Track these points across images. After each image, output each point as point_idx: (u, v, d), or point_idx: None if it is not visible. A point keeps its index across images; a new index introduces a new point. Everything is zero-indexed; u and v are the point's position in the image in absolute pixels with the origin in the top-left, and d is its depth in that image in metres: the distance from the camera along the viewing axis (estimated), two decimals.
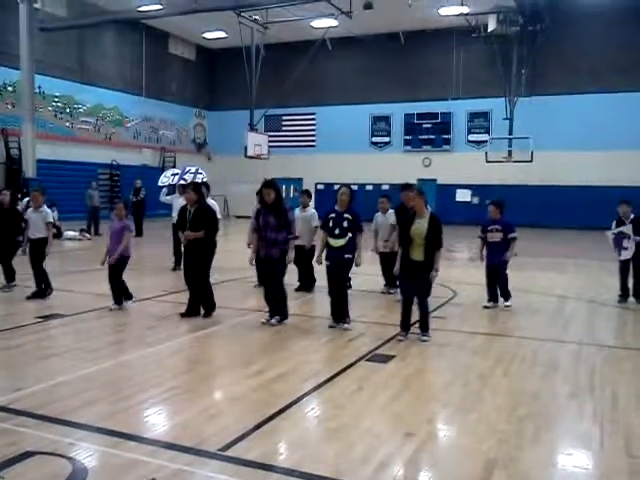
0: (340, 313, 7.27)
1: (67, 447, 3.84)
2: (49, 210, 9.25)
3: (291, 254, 7.39)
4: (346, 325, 7.21)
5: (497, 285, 8.65)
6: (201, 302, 7.84)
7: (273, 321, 7.35)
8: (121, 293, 8.17)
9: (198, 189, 7.95)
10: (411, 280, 6.75)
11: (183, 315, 7.71)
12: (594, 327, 7.77)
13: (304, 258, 9.30)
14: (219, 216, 10.09)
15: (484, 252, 8.81)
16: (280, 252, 7.26)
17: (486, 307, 8.58)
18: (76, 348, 6.29)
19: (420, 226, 6.67)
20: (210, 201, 10.14)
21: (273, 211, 7.25)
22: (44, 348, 6.30)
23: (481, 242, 8.84)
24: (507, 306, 8.58)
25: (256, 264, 7.89)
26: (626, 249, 9.01)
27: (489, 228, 8.67)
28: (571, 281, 11.67)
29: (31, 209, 9.10)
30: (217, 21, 25.88)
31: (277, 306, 7.41)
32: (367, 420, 4.43)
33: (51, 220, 9.09)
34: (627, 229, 8.94)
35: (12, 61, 20.92)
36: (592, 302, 9.31)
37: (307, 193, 10.03)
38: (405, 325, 6.80)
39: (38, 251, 8.85)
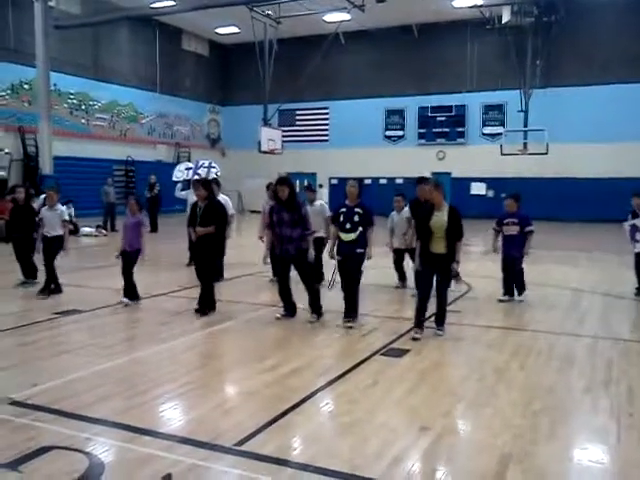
0: (349, 309, 7.22)
1: (84, 442, 3.88)
2: (64, 208, 9.33)
3: (311, 251, 7.36)
4: (349, 324, 7.08)
5: (513, 278, 8.60)
6: (205, 298, 7.81)
7: (311, 319, 7.32)
8: (128, 287, 8.24)
9: (208, 185, 7.97)
10: (430, 274, 6.71)
11: (197, 311, 7.73)
12: (610, 321, 7.70)
13: (317, 251, 9.32)
14: (232, 211, 10.13)
15: (499, 244, 8.75)
16: (295, 249, 7.24)
17: (501, 301, 8.53)
18: (91, 344, 6.35)
19: (439, 219, 6.62)
20: (222, 197, 10.17)
21: (287, 207, 7.23)
22: (60, 344, 6.37)
23: (494, 234, 8.78)
24: (520, 300, 8.53)
25: (272, 260, 7.88)
26: (639, 242, 8.90)
27: (505, 221, 8.60)
28: (586, 274, 11.57)
29: (46, 207, 9.19)
30: (230, 16, 25.88)
31: (312, 304, 7.37)
32: (382, 414, 4.43)
33: (67, 218, 9.19)
34: None
35: (28, 59, 21.07)
36: (607, 295, 9.23)
37: (309, 188, 9.95)
38: (420, 322, 6.73)
39: (53, 249, 8.94)
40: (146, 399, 4.71)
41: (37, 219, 9.27)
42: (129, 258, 8.17)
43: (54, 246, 8.94)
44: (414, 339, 6.53)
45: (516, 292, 8.63)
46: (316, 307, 7.39)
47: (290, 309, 7.49)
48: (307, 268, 7.37)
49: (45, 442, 3.85)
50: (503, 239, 8.66)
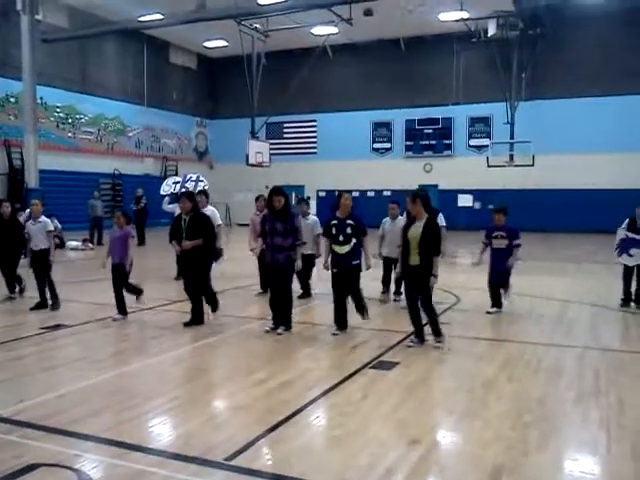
0: (359, 310, 7.44)
1: (72, 458, 3.83)
2: (48, 220, 9.27)
3: (299, 262, 7.38)
4: (365, 318, 7.44)
5: (500, 290, 8.63)
6: (207, 302, 7.93)
7: (279, 330, 7.33)
8: (118, 302, 8.16)
9: (192, 198, 7.96)
10: (410, 285, 6.76)
11: (187, 324, 7.70)
12: (598, 331, 7.75)
13: (306, 266, 9.34)
14: (219, 222, 10.12)
15: (485, 256, 8.78)
16: (286, 258, 7.27)
17: (489, 313, 8.56)
18: (80, 359, 6.29)
19: (415, 230, 6.65)
20: (210, 208, 10.17)
21: (280, 217, 7.26)
22: (48, 359, 6.31)
23: (483, 247, 8.81)
24: (490, 313, 8.55)
25: (261, 270, 7.90)
26: (631, 256, 8.95)
27: (494, 234, 8.62)
28: (574, 285, 11.65)
29: (31, 221, 9.13)
30: (218, 30, 25.99)
31: (282, 314, 7.39)
32: (372, 428, 4.42)
33: (51, 229, 9.13)
34: None
35: (14, 72, 21.03)
36: (595, 306, 9.29)
37: (304, 201, 10.05)
38: (416, 332, 6.77)
39: (41, 262, 8.88)
40: (136, 414, 4.67)
41: (24, 233, 9.20)
42: (120, 272, 8.10)
43: (42, 259, 8.88)
44: (408, 346, 6.64)
45: (502, 293, 8.63)
46: (287, 319, 7.41)
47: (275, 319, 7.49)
48: (287, 277, 7.40)
49: (33, 459, 3.79)
50: (491, 252, 8.68)
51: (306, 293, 9.76)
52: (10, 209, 9.66)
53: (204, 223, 7.82)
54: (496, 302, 8.63)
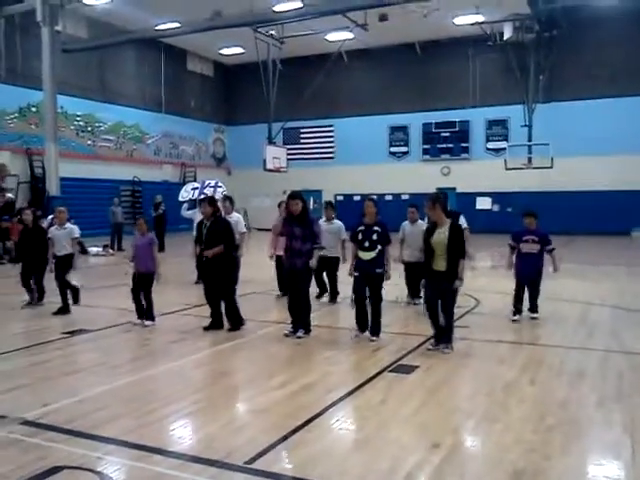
0: (374, 326, 7.25)
1: (95, 461, 3.87)
2: (74, 226, 9.37)
3: (314, 261, 7.38)
4: (374, 337, 7.17)
5: (528, 296, 8.39)
6: (227, 317, 7.83)
7: (299, 334, 7.34)
8: (147, 309, 8.17)
9: (213, 202, 7.99)
10: (435, 291, 6.71)
11: (206, 329, 7.74)
12: (620, 334, 7.64)
13: (332, 269, 9.38)
14: (244, 230, 10.17)
15: (513, 260, 8.57)
16: (304, 263, 7.27)
17: (514, 321, 8.29)
18: (101, 363, 6.35)
19: (439, 236, 6.62)
20: (235, 214, 10.25)
21: (298, 221, 7.29)
22: (70, 364, 6.38)
23: (510, 250, 8.56)
24: (534, 318, 8.32)
25: (278, 274, 7.90)
26: None
27: (524, 238, 8.32)
28: (595, 287, 11.53)
29: (55, 227, 9.25)
30: (234, 37, 26.14)
31: (301, 318, 7.40)
32: (392, 431, 4.41)
33: (77, 236, 9.24)
34: None
35: (35, 82, 21.31)
36: (617, 308, 9.18)
37: (331, 205, 10.02)
38: (438, 336, 6.74)
39: (64, 267, 9.00)
40: (157, 417, 4.70)
41: (48, 238, 9.31)
42: (146, 280, 8.09)
43: (65, 265, 9.00)
44: (428, 349, 6.66)
45: (528, 309, 8.40)
46: (306, 323, 7.41)
47: (295, 323, 7.48)
48: (305, 281, 7.40)
49: (56, 462, 3.84)
50: (520, 257, 8.38)
51: (333, 297, 9.75)
52: (32, 217, 9.78)
53: (224, 229, 7.85)
54: (520, 309, 8.42)
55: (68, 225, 9.22)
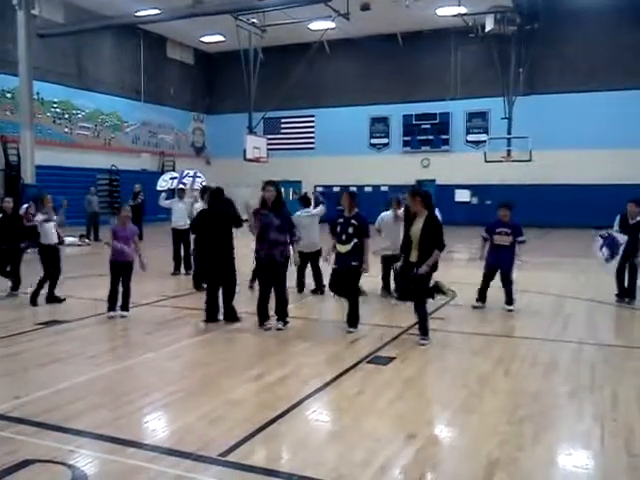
0: (351, 317, 7.22)
1: (67, 454, 3.83)
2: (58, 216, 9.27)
3: (295, 257, 7.35)
4: (351, 329, 7.15)
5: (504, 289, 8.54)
6: (228, 308, 7.78)
7: (279, 326, 7.32)
8: (125, 299, 8.10)
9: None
10: (408, 281, 6.72)
11: (207, 321, 7.66)
12: (593, 326, 7.76)
13: (316, 261, 9.44)
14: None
15: (485, 252, 8.69)
16: (281, 253, 7.25)
17: (475, 307, 8.53)
18: (76, 354, 6.28)
19: (416, 227, 6.65)
20: None
21: (275, 212, 7.25)
22: (44, 355, 6.30)
23: (482, 242, 8.72)
24: (509, 310, 8.43)
25: (256, 264, 7.81)
26: (603, 255, 8.96)
27: (498, 230, 8.46)
28: (570, 280, 11.66)
29: (46, 216, 9.11)
30: (215, 25, 25.88)
31: (279, 310, 7.39)
32: (368, 422, 4.43)
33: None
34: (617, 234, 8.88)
35: (10, 68, 20.92)
36: (591, 301, 9.30)
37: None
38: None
39: (54, 258, 8.89)
40: (131, 410, 4.67)
41: (26, 229, 9.19)
42: (127, 269, 8.04)
43: (55, 255, 8.91)
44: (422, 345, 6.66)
45: (505, 302, 8.51)
46: (283, 314, 7.40)
47: (263, 316, 7.42)
48: (284, 275, 7.36)
49: (27, 455, 3.79)
50: (492, 248, 8.53)
51: (319, 288, 9.67)
52: (12, 204, 9.64)
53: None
54: (483, 297, 8.59)
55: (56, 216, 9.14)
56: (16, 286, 9.48)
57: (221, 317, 7.75)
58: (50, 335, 7.20)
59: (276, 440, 4.17)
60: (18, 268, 9.48)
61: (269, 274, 7.34)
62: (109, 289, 8.04)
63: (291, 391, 5.12)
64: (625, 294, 9.04)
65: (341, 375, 5.55)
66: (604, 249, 8.97)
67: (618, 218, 9.12)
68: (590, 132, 25.41)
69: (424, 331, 6.71)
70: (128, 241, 8.06)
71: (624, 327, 8.12)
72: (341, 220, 7.26)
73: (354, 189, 26.87)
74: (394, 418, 4.55)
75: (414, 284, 6.60)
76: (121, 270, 8.02)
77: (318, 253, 9.39)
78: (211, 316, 7.70)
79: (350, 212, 7.26)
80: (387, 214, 9.34)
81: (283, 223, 7.26)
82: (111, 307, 8.02)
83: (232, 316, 7.75)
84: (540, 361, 6.11)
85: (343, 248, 7.15)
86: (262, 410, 4.63)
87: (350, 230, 7.13)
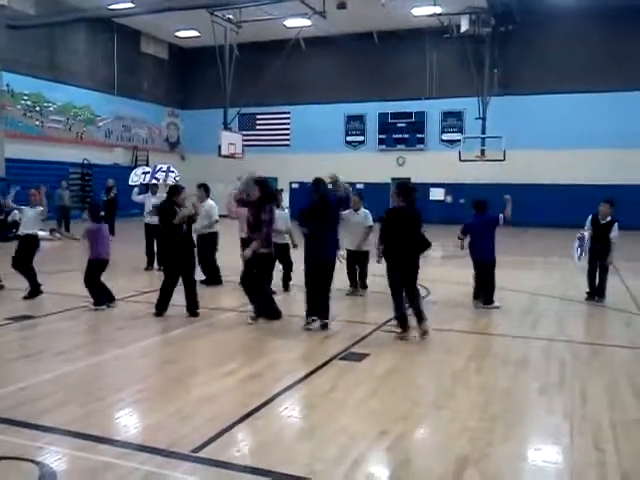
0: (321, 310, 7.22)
1: (35, 451, 3.77)
2: (42, 208, 9.12)
3: (248, 251, 7.35)
4: (325, 321, 7.15)
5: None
6: (191, 301, 7.81)
7: (250, 316, 7.38)
8: (102, 294, 8.10)
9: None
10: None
11: (192, 315, 7.70)
12: (564, 324, 7.88)
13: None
14: (216, 217, 10.01)
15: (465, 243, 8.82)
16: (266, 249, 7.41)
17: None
18: (46, 350, 6.18)
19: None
20: (209, 202, 10.09)
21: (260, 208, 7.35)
22: (13, 350, 6.19)
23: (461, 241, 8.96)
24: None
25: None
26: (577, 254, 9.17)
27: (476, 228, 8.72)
28: (542, 278, 11.82)
29: (28, 206, 8.95)
30: (190, 20, 25.64)
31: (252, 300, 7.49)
32: (341, 419, 4.43)
33: (43, 217, 9.12)
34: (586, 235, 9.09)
35: None
36: (562, 299, 9.44)
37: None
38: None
39: (30, 247, 8.74)
40: (102, 406, 4.60)
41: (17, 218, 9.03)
42: (104, 265, 8.09)
43: (30, 245, 8.77)
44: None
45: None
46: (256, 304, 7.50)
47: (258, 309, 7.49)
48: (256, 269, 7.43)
49: None
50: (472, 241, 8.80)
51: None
52: None
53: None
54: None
55: (39, 207, 8.96)
56: None
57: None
58: (20, 330, 7.09)
59: (249, 436, 4.16)
60: None
61: (253, 268, 7.44)
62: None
63: (264, 388, 5.10)
64: (595, 293, 9.20)
65: (314, 372, 5.54)
66: (578, 249, 9.19)
67: (590, 218, 9.28)
68: (563, 133, 25.80)
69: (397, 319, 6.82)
70: (95, 237, 8.15)
71: (593, 325, 8.26)
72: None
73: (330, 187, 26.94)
74: (367, 414, 4.56)
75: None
76: (101, 266, 8.15)
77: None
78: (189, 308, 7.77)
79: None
80: (348, 211, 9.29)
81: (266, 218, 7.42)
82: (105, 301, 8.12)
83: (193, 309, 7.79)
84: (511, 358, 6.18)
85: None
86: (234, 406, 4.61)
87: None
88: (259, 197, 7.37)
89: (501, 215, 8.59)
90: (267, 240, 7.43)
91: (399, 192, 6.91)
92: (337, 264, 7.39)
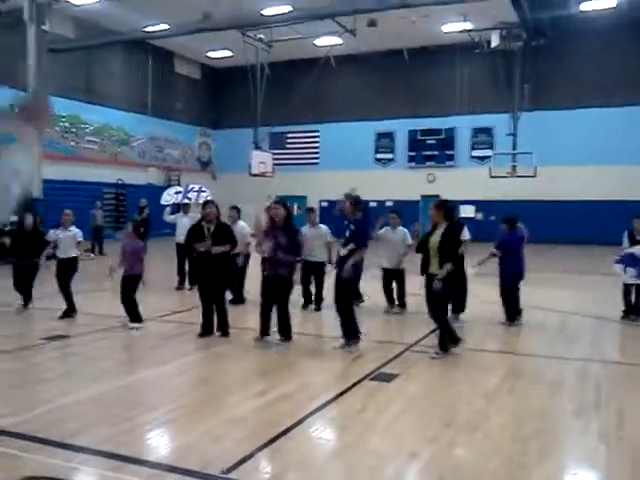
0: (345, 331, 7.15)
1: (68, 471, 3.82)
2: (79, 230, 9.31)
3: (297, 275, 7.34)
4: (346, 347, 7.04)
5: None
6: (219, 322, 7.78)
7: (280, 342, 7.31)
8: (133, 312, 8.19)
9: (216, 204, 7.95)
10: (429, 293, 6.77)
11: (201, 335, 7.67)
12: (599, 343, 7.71)
13: (320, 273, 9.50)
14: (249, 239, 10.04)
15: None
16: (287, 271, 7.23)
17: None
18: (79, 370, 6.29)
19: (434, 238, 6.75)
20: (241, 223, 10.13)
21: (283, 230, 7.25)
22: (47, 370, 6.30)
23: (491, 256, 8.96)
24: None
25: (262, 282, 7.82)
26: (626, 273, 8.88)
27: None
28: (576, 297, 11.60)
29: (60, 229, 9.16)
30: (222, 40, 26.10)
31: (282, 326, 7.38)
32: (371, 440, 4.40)
33: (81, 239, 9.27)
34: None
35: (21, 82, 21.11)
36: (597, 318, 9.25)
37: (312, 210, 10.14)
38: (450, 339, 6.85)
39: (69, 270, 8.96)
40: (133, 426, 4.65)
41: (51, 241, 9.22)
42: (130, 283, 8.13)
43: (68, 268, 8.95)
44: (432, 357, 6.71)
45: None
46: (286, 331, 7.38)
47: (265, 330, 7.40)
48: (287, 290, 7.34)
49: (28, 472, 3.78)
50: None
51: (315, 301, 9.73)
52: (32, 220, 9.66)
53: (228, 232, 7.80)
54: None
55: (72, 228, 9.16)
56: (27, 302, 9.50)
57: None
58: (54, 349, 7.20)
59: (279, 457, 4.15)
60: (31, 284, 9.50)
61: (273, 291, 7.30)
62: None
63: (294, 408, 5.09)
64: (631, 311, 8.99)
65: (344, 392, 5.52)
66: (629, 269, 8.84)
67: (626, 234, 9.11)
68: (595, 148, 25.38)
69: (442, 345, 6.74)
70: (134, 255, 8.26)
71: (629, 344, 8.06)
72: (345, 223, 7.31)
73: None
74: (397, 435, 4.52)
75: (436, 296, 6.67)
76: (126, 283, 8.19)
77: (321, 265, 9.45)
78: (204, 329, 7.74)
79: (350, 217, 7.26)
80: (386, 229, 9.41)
81: (291, 243, 7.22)
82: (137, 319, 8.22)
83: (222, 330, 7.77)
84: (546, 378, 6.07)
85: (342, 251, 7.20)
86: (266, 427, 4.61)
87: (347, 234, 7.16)
88: (285, 218, 7.34)
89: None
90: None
91: (445, 213, 6.88)
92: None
